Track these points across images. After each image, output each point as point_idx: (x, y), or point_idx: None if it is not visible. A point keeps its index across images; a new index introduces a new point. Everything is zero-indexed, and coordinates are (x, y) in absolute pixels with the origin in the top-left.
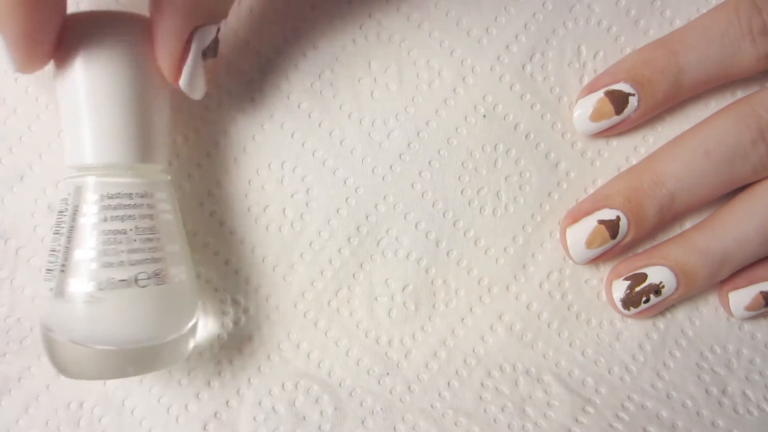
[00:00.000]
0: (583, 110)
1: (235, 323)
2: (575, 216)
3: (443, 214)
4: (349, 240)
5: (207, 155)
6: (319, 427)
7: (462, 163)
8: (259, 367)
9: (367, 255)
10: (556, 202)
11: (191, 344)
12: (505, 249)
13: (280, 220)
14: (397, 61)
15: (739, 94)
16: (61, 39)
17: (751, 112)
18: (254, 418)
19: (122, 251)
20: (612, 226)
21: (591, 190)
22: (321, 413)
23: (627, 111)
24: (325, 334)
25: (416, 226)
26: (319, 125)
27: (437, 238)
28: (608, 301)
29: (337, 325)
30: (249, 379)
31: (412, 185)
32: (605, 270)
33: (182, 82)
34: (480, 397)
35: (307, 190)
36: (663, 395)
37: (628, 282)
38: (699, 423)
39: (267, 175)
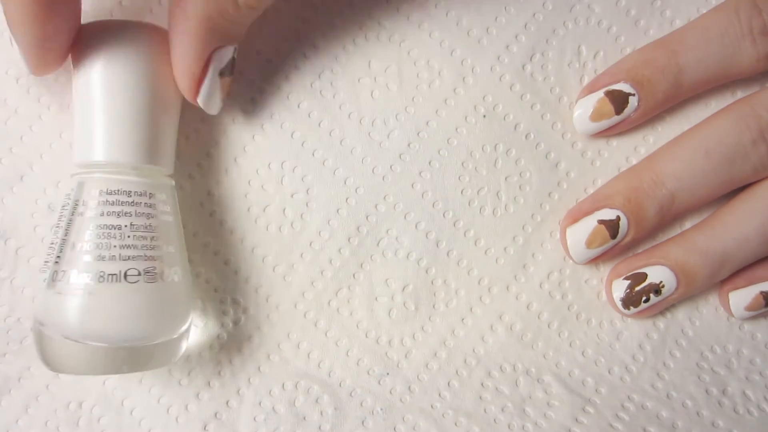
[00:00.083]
0: (583, 110)
1: (235, 323)
2: (575, 216)
3: (443, 214)
4: (349, 240)
5: (207, 155)
6: (319, 428)
7: (462, 163)
8: (259, 367)
9: (367, 255)
10: (556, 202)
11: (183, 347)
12: (505, 249)
13: (280, 220)
14: (397, 61)
15: (739, 94)
16: (80, 42)
17: (752, 112)
18: (254, 419)
19: (114, 246)
20: (612, 226)
21: (591, 190)
22: (321, 413)
23: (627, 111)
24: (325, 334)
25: (416, 226)
26: (319, 125)
27: (437, 238)
28: (608, 301)
29: (337, 325)
30: (249, 379)
31: (412, 185)
32: (605, 270)
33: (200, 100)
34: (480, 397)
35: (307, 190)
36: (663, 395)
37: (628, 281)
38: (699, 423)
39: (267, 175)
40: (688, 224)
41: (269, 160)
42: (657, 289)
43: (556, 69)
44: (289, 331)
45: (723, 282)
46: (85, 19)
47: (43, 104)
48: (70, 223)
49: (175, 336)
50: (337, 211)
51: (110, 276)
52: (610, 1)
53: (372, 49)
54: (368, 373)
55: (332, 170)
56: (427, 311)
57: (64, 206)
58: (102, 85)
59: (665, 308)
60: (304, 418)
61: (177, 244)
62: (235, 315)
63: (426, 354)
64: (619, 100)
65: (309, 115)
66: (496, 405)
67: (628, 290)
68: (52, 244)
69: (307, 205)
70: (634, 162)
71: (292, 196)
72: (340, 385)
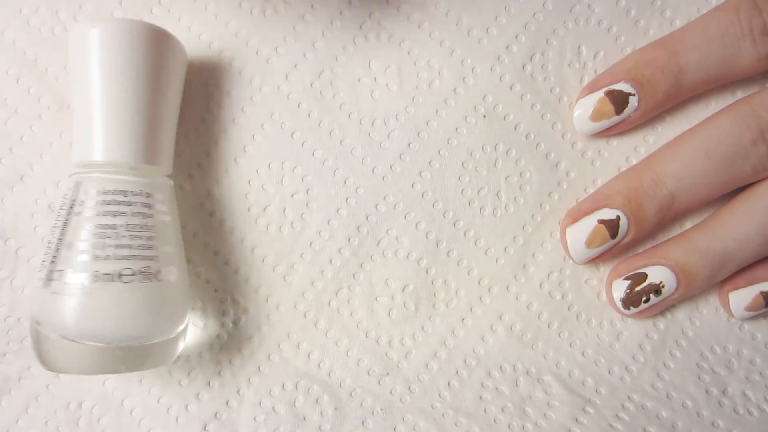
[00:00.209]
0: (584, 110)
1: (235, 323)
2: (575, 216)
3: (443, 214)
4: (349, 240)
5: (207, 155)
6: (320, 428)
7: (462, 163)
8: (259, 367)
9: (367, 255)
10: (556, 202)
11: (181, 347)
12: (505, 249)
13: (280, 220)
14: (397, 61)
15: (739, 94)
16: (79, 42)
17: (752, 112)
18: (254, 419)
19: (109, 246)
20: (612, 226)
21: (591, 190)
22: (321, 413)
23: (627, 111)
24: (326, 334)
25: (416, 226)
26: (319, 125)
27: (437, 238)
28: (608, 301)
29: (337, 325)
30: (249, 379)
31: (412, 185)
32: (605, 270)
33: None
34: (480, 398)
35: (307, 190)
36: (663, 395)
37: (629, 282)
38: (699, 423)
39: (267, 175)
40: (688, 224)
41: (269, 160)
42: (657, 290)
43: (556, 69)
44: (289, 331)
45: (723, 282)
46: (85, 19)
47: (43, 104)
48: (66, 222)
49: (172, 336)
50: (337, 211)
51: (105, 275)
52: (610, 1)
53: (372, 49)
54: (368, 373)
55: (332, 170)
56: (427, 311)
57: (62, 206)
58: (100, 85)
59: (665, 308)
60: (304, 419)
61: (174, 244)
62: (235, 315)
63: (426, 354)
64: (619, 100)
65: (309, 115)
66: (496, 405)
67: (628, 290)
68: (50, 243)
69: (307, 205)
70: (634, 162)
71: (292, 196)
72: (340, 385)
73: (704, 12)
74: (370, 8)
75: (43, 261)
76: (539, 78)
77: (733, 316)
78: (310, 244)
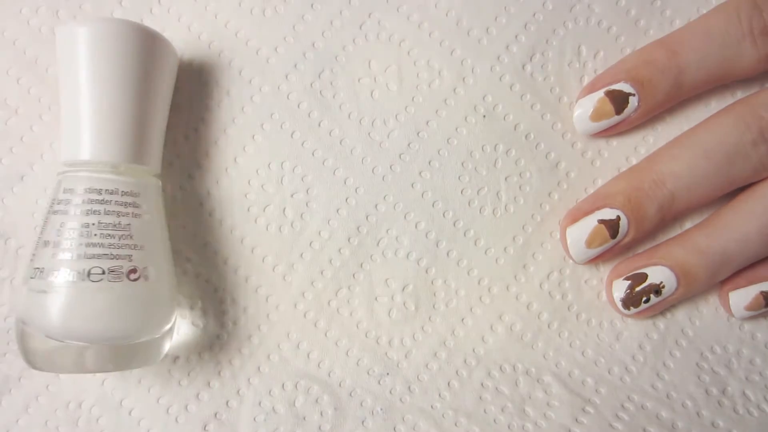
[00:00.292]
0: (583, 110)
1: (235, 323)
2: (575, 216)
3: (443, 214)
4: (349, 240)
5: (207, 155)
6: (319, 428)
7: (462, 163)
8: (259, 367)
9: (367, 255)
10: (556, 202)
11: (167, 346)
12: (505, 249)
13: (280, 220)
14: (397, 61)
15: (739, 94)
16: (67, 41)
17: (752, 112)
18: (254, 419)
19: (93, 244)
20: (612, 226)
21: (591, 190)
22: (321, 413)
23: (627, 111)
24: (325, 334)
25: (416, 226)
26: (319, 125)
27: (437, 238)
28: (608, 301)
29: (337, 325)
30: (249, 379)
31: (412, 185)
32: (605, 270)
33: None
34: (480, 398)
35: (307, 190)
36: (663, 395)
37: (629, 282)
38: (699, 423)
39: (267, 175)
40: (688, 224)
41: (269, 160)
42: (657, 290)
43: (556, 69)
44: (289, 331)
45: (723, 282)
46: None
47: (43, 104)
48: (45, 222)
49: (157, 335)
50: (337, 211)
51: (87, 274)
52: (610, 1)
53: (372, 49)
54: (368, 373)
55: (332, 170)
56: (427, 311)
57: (50, 205)
58: (87, 84)
59: (665, 308)
60: (304, 418)
61: (154, 244)
62: (235, 315)
63: (426, 354)
64: (619, 100)
65: (309, 115)
66: (496, 405)
67: (628, 290)
68: (37, 242)
69: (307, 205)
70: (634, 162)
71: (292, 196)
72: (340, 385)
73: (704, 12)
74: (370, 8)
75: (31, 260)
76: (539, 78)
77: (733, 315)
78: (310, 244)
